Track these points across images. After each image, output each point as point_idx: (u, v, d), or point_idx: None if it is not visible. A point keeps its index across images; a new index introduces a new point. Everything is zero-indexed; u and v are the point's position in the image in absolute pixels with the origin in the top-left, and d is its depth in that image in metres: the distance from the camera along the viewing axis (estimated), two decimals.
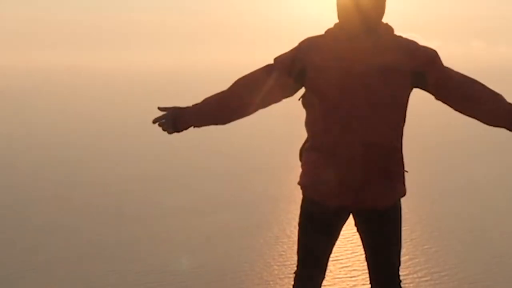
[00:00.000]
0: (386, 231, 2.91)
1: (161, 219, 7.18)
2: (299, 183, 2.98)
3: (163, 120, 2.89)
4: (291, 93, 2.87)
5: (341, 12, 2.76)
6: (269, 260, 5.71)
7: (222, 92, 2.89)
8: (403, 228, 6.16)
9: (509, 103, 2.78)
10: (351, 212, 2.96)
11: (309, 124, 2.88)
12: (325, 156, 2.80)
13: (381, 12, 2.76)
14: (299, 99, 2.90)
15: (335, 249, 5.56)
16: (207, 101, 2.89)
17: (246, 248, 6.07)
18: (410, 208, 7.53)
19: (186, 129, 2.89)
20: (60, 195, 8.48)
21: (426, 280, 5.18)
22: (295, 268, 3.06)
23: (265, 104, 2.88)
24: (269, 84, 2.83)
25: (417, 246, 6.08)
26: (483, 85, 2.79)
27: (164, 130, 2.87)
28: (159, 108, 2.89)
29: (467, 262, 5.61)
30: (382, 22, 2.81)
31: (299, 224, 3.02)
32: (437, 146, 13.03)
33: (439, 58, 2.81)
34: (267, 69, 2.86)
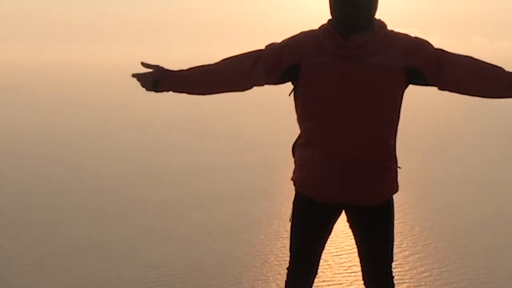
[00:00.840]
0: (379, 227, 2.93)
1: (160, 215, 7.18)
2: (292, 179, 2.99)
3: (144, 77, 2.90)
4: (275, 83, 2.89)
5: (335, 9, 2.75)
6: (269, 255, 5.71)
7: (208, 67, 2.90)
8: (403, 224, 6.18)
9: (510, 72, 2.76)
10: (343, 209, 2.96)
11: (302, 120, 2.88)
12: (318, 152, 2.81)
13: (374, 8, 2.75)
14: (289, 94, 2.90)
15: (335, 245, 5.57)
16: (191, 72, 2.90)
17: (246, 243, 6.07)
18: (411, 204, 7.53)
19: (165, 91, 2.92)
20: (59, 192, 8.48)
21: (426, 276, 5.18)
22: (288, 264, 3.08)
23: (247, 87, 2.90)
24: (254, 73, 2.84)
25: (417, 242, 6.08)
26: (481, 62, 2.77)
27: (142, 86, 2.89)
28: (143, 64, 2.90)
29: (467, 258, 5.60)
30: (375, 18, 2.81)
31: (292, 220, 3.03)
32: (437, 143, 13.03)
33: (432, 49, 2.79)
34: (255, 57, 2.85)
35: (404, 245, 5.96)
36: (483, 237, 6.27)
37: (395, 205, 2.97)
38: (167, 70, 2.86)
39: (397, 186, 2.91)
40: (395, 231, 6.32)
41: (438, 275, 5.20)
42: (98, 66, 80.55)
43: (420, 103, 20.63)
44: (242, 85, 2.84)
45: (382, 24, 2.77)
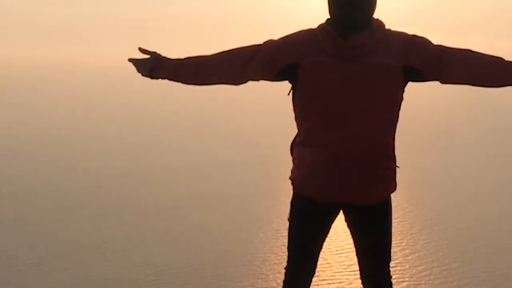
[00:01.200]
0: (377, 226, 2.92)
1: (160, 215, 7.18)
2: (290, 178, 2.98)
3: (141, 63, 2.92)
4: (271, 80, 2.89)
5: (334, 8, 2.73)
6: (269, 254, 5.71)
7: (205, 58, 2.90)
8: (403, 223, 6.18)
9: (510, 61, 2.76)
10: (341, 208, 2.96)
11: (300, 119, 2.87)
12: (318, 152, 2.80)
13: (373, 8, 2.74)
14: (288, 94, 2.90)
15: (335, 243, 5.56)
16: (188, 62, 2.90)
17: (246, 242, 6.08)
18: (411, 203, 7.52)
19: (160, 78, 2.93)
20: (59, 191, 8.48)
21: (426, 275, 5.18)
22: (286, 264, 3.08)
23: (242, 81, 2.91)
24: (249, 67, 2.84)
25: (417, 241, 6.08)
26: (481, 55, 2.77)
27: (138, 71, 2.90)
28: (140, 49, 2.91)
29: (467, 257, 5.61)
30: (374, 18, 2.79)
31: (290, 219, 3.02)
32: (437, 143, 13.02)
33: (432, 47, 2.78)
34: (252, 52, 2.85)
35: (404, 244, 5.97)
36: (483, 236, 6.28)
37: (394, 204, 2.98)
38: (164, 57, 2.87)
39: (395, 185, 2.91)
40: (395, 230, 6.34)
41: (438, 273, 5.20)
42: (98, 66, 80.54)
43: (420, 103, 20.63)
44: (237, 79, 2.84)
45: (380, 24, 2.76)
